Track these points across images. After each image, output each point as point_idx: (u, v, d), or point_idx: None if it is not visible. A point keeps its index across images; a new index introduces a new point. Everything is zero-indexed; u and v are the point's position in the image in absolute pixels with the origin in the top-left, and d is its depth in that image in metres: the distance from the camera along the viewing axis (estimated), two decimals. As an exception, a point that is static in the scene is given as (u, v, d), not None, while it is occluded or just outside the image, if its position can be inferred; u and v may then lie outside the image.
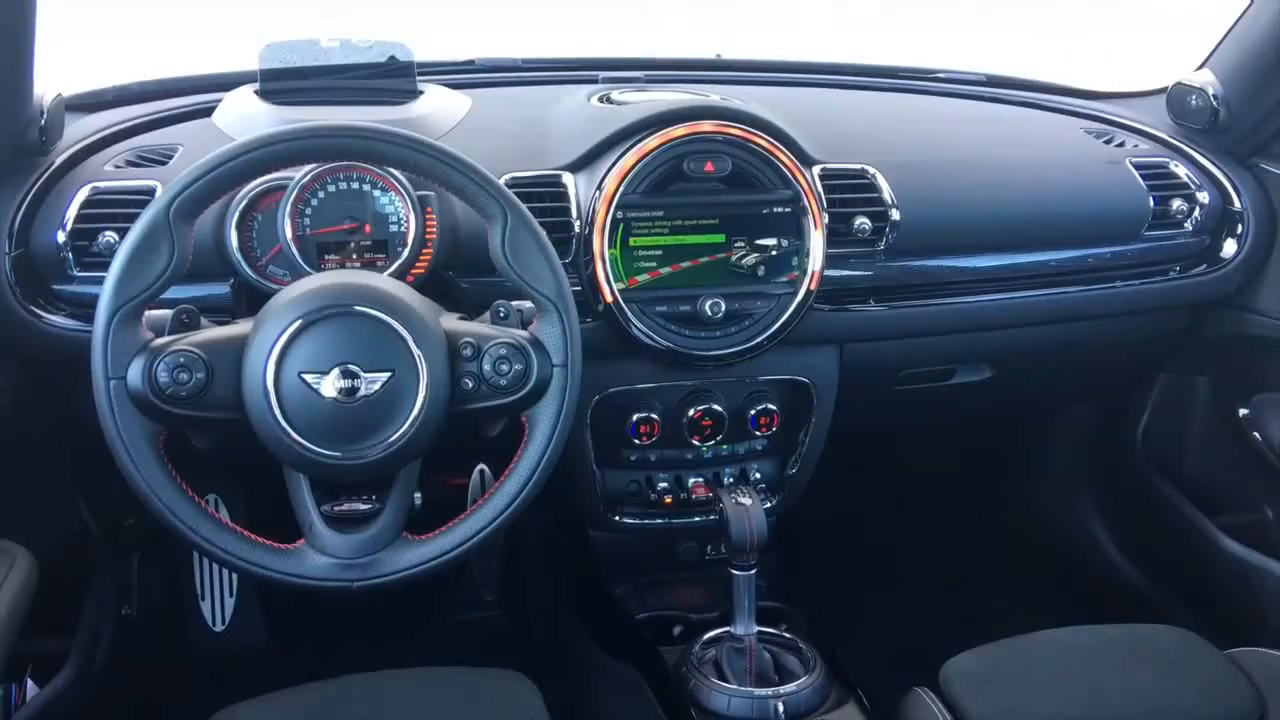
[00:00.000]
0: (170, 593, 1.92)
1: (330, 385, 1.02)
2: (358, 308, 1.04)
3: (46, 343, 1.25)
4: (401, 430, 1.04)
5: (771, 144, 1.37)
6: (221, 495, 1.82)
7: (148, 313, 1.05)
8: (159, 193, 1.25)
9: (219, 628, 1.93)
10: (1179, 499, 1.84)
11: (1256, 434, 1.68)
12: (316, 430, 1.02)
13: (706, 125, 1.35)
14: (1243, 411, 1.71)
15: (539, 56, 1.83)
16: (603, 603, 1.62)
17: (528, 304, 1.12)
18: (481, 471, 1.95)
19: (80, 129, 1.41)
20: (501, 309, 1.13)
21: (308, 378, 1.02)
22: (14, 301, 1.23)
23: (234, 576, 1.94)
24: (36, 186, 1.27)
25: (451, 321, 1.11)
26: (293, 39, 1.49)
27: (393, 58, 1.52)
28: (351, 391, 1.02)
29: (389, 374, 1.03)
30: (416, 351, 1.04)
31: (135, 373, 1.01)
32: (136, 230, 1.01)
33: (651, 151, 1.33)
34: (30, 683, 1.40)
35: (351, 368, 1.02)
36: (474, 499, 1.94)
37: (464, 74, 1.73)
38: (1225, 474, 1.78)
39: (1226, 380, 1.76)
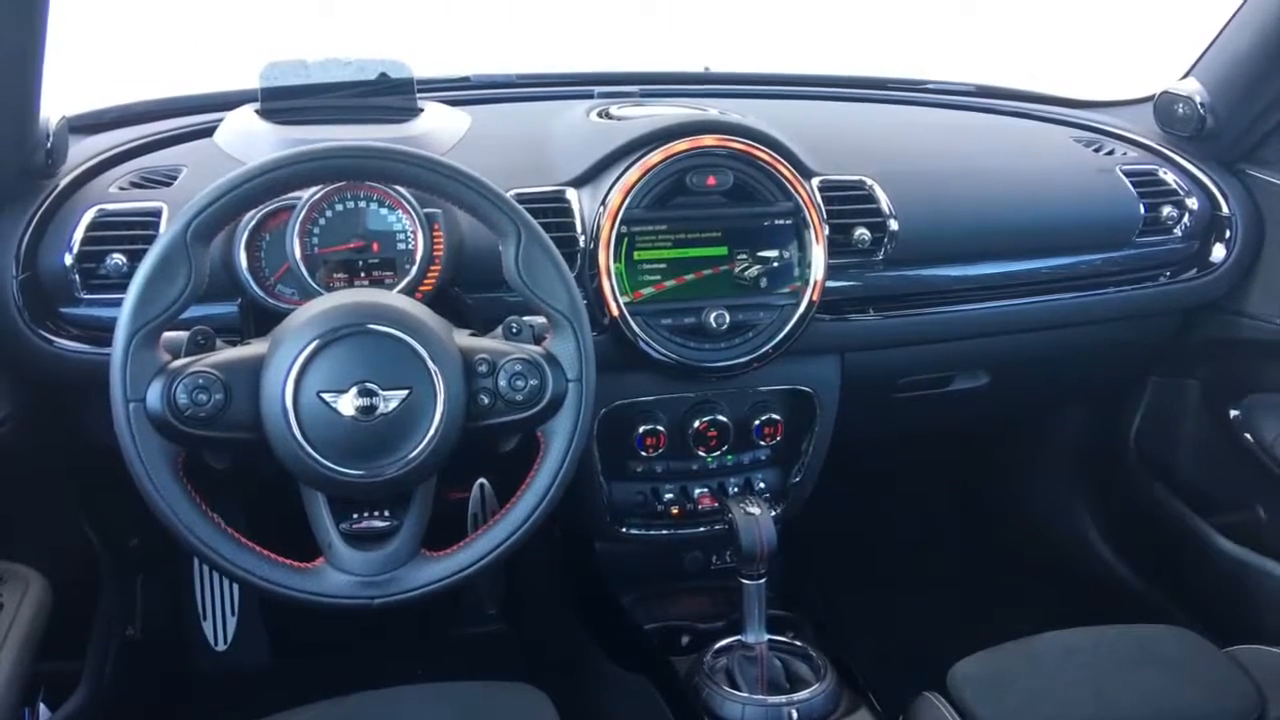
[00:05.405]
0: (173, 613, 1.91)
1: (348, 404, 1.02)
2: (374, 326, 1.05)
3: (55, 365, 1.25)
4: (420, 447, 1.04)
5: (772, 157, 1.39)
6: (224, 515, 1.81)
7: (163, 334, 1.05)
8: (165, 214, 1.27)
9: (221, 647, 1.93)
10: (1172, 500, 1.86)
11: (1248, 435, 1.70)
12: (335, 449, 1.03)
13: (708, 139, 1.37)
14: (1234, 413, 1.73)
15: (534, 72, 1.84)
16: (611, 614, 1.62)
17: (540, 319, 1.13)
18: (481, 486, 1.96)
19: (83, 150, 1.40)
20: (514, 325, 1.14)
21: (326, 396, 1.02)
22: (22, 325, 1.23)
23: (236, 596, 1.94)
24: (43, 209, 1.27)
25: (465, 338, 1.12)
26: (289, 59, 1.49)
27: (384, 74, 1.52)
28: (370, 409, 1.03)
29: (407, 391, 1.04)
30: (433, 368, 1.05)
31: (154, 395, 1.01)
32: (154, 253, 1.01)
33: (655, 166, 1.35)
34: (43, 706, 1.40)
35: (369, 386, 1.03)
36: (474, 513, 1.97)
37: (460, 90, 1.74)
38: (1218, 475, 1.80)
39: (1217, 382, 1.79)
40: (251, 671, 1.91)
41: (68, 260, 1.25)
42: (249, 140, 1.42)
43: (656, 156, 1.35)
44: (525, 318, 1.15)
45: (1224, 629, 1.48)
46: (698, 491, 1.52)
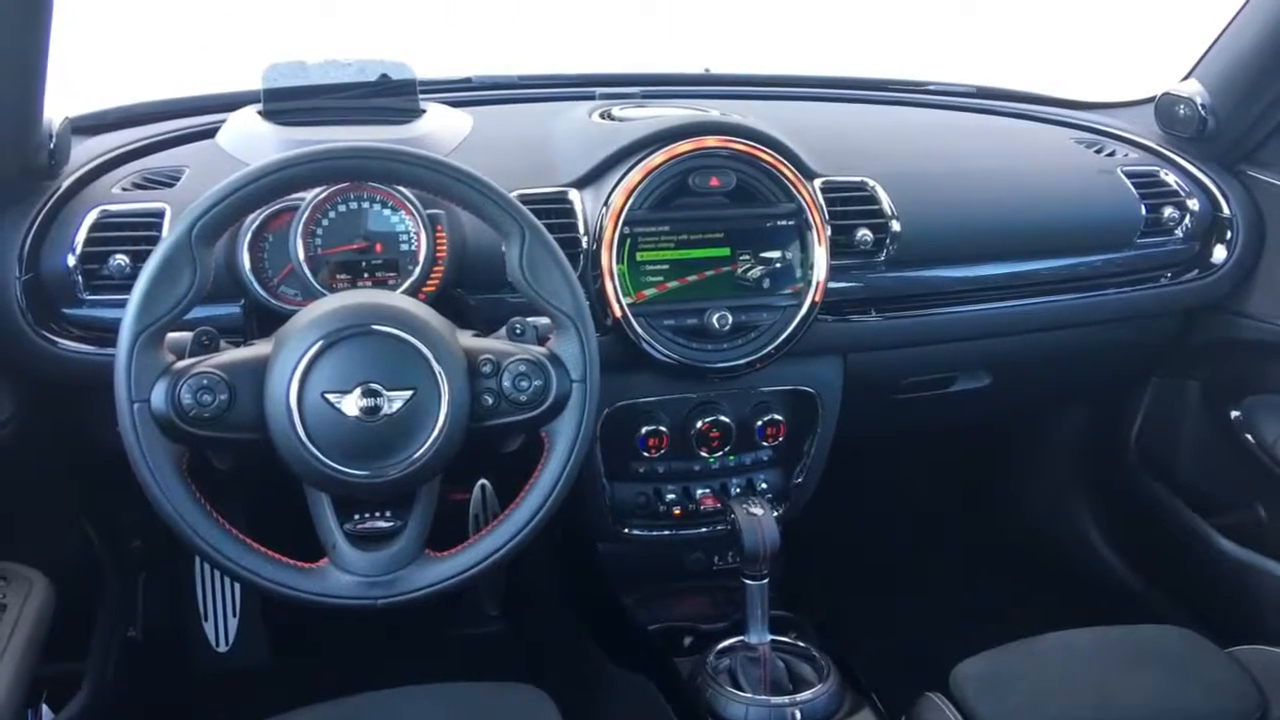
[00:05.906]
0: (174, 614, 1.91)
1: (352, 404, 1.03)
2: (378, 327, 1.05)
3: (58, 367, 1.25)
4: (424, 448, 1.05)
5: (775, 158, 1.39)
6: (227, 515, 1.82)
7: (167, 335, 1.05)
8: (168, 215, 1.27)
9: (222, 648, 1.93)
10: (1173, 500, 1.87)
11: (1249, 435, 1.70)
12: (340, 449, 1.03)
13: (711, 140, 1.37)
14: (1234, 414, 1.73)
15: (535, 73, 1.84)
16: (613, 614, 1.62)
17: (543, 320, 1.13)
18: (483, 486, 1.96)
19: (85, 151, 1.40)
20: (518, 326, 1.14)
21: (330, 397, 1.02)
22: (26, 326, 1.23)
23: (237, 596, 1.94)
24: (45, 210, 1.27)
25: (468, 339, 1.12)
26: (290, 60, 1.49)
27: (385, 75, 1.52)
28: (374, 410, 1.03)
29: (411, 392, 1.04)
30: (438, 369, 1.05)
31: (159, 395, 1.01)
32: (159, 254, 1.01)
33: (657, 167, 1.35)
34: (46, 708, 1.39)
35: (374, 386, 1.03)
36: (475, 514, 1.97)
37: (462, 91, 1.74)
38: (1218, 475, 1.81)
39: (1218, 383, 1.79)
40: (253, 672, 1.91)
41: (71, 261, 1.24)
42: (251, 141, 1.42)
43: (659, 158, 1.36)
44: (529, 318, 1.15)
45: (1225, 629, 1.49)
46: (700, 492, 1.53)
